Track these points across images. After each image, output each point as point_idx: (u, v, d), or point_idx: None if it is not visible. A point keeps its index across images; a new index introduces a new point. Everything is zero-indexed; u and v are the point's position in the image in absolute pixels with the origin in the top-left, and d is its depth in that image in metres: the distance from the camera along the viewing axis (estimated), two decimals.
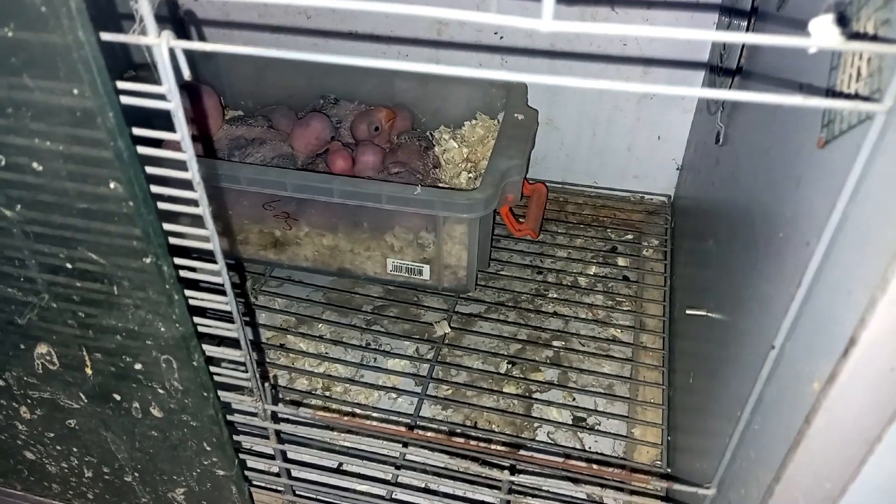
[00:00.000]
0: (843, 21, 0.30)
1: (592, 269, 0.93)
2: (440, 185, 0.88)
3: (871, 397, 0.30)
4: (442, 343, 0.82)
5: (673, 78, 0.88)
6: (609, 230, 0.99)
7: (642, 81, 0.88)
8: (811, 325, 0.34)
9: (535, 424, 0.75)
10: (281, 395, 0.78)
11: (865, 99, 0.31)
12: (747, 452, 0.42)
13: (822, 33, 0.26)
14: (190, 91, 0.87)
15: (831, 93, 0.35)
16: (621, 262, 0.94)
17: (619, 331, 0.85)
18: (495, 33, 0.91)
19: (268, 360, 0.81)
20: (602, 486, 0.61)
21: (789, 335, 0.36)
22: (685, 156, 0.94)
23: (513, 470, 0.62)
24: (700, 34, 0.27)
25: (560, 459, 0.70)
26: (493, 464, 0.63)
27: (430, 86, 0.93)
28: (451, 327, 0.84)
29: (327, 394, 0.78)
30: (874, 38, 0.31)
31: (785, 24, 0.48)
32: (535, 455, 0.68)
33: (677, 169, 0.97)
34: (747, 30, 0.50)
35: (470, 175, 0.90)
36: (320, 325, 0.86)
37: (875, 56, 0.30)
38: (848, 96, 0.32)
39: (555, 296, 0.90)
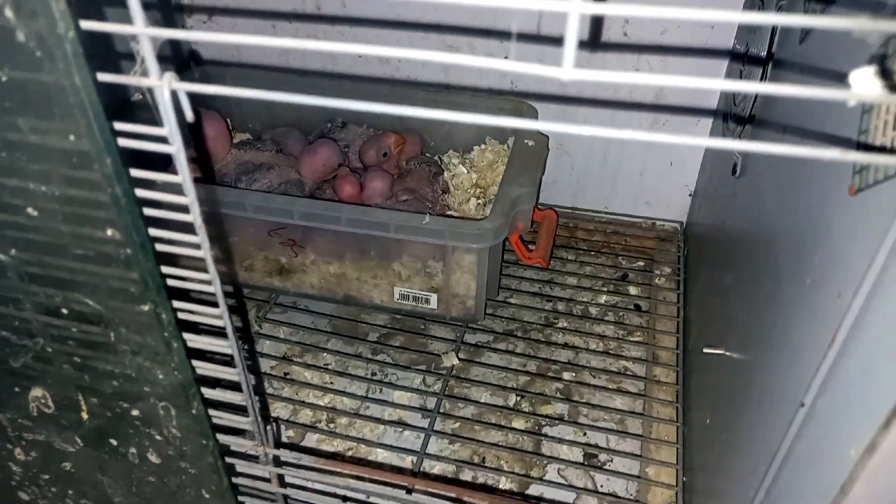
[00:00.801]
0: (884, 71, 0.28)
1: (603, 298, 0.91)
2: (449, 211, 0.87)
3: None
4: (449, 375, 0.80)
5: (687, 98, 0.86)
6: (620, 257, 0.97)
7: (655, 103, 0.87)
8: (847, 385, 0.32)
9: (545, 462, 0.72)
10: (285, 428, 0.76)
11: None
12: None
13: (864, 85, 0.25)
14: (197, 116, 0.85)
15: (863, 139, 0.33)
16: (633, 290, 0.92)
17: (630, 363, 0.83)
18: (505, 56, 0.90)
19: (272, 389, 0.80)
20: None
21: (821, 393, 0.34)
22: (698, 182, 0.92)
23: None
24: (720, 84, 0.25)
25: (570, 501, 0.68)
26: None
27: (441, 107, 0.91)
28: (459, 358, 0.82)
29: (331, 426, 0.76)
30: None
31: (803, 65, 0.46)
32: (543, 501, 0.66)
33: (690, 195, 0.95)
34: (763, 74, 0.49)
35: (479, 201, 0.88)
36: (325, 355, 0.84)
37: None
38: (881, 149, 0.30)
39: (565, 325, 0.88)
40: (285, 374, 0.82)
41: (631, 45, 0.84)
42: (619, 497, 0.69)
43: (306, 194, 0.85)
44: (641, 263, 0.96)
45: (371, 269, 0.79)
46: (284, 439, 0.75)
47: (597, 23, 0.82)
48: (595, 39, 0.84)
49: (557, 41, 0.85)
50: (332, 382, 0.81)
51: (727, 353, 0.58)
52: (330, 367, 0.83)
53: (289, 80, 0.95)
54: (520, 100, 0.88)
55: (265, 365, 0.82)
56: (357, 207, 0.75)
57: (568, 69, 0.27)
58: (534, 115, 0.87)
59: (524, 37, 0.86)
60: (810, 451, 0.35)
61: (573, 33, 0.26)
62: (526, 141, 0.83)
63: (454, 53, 0.28)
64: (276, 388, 0.80)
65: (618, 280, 0.94)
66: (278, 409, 0.78)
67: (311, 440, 0.75)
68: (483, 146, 0.93)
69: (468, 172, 0.91)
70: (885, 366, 0.28)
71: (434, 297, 0.80)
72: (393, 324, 0.88)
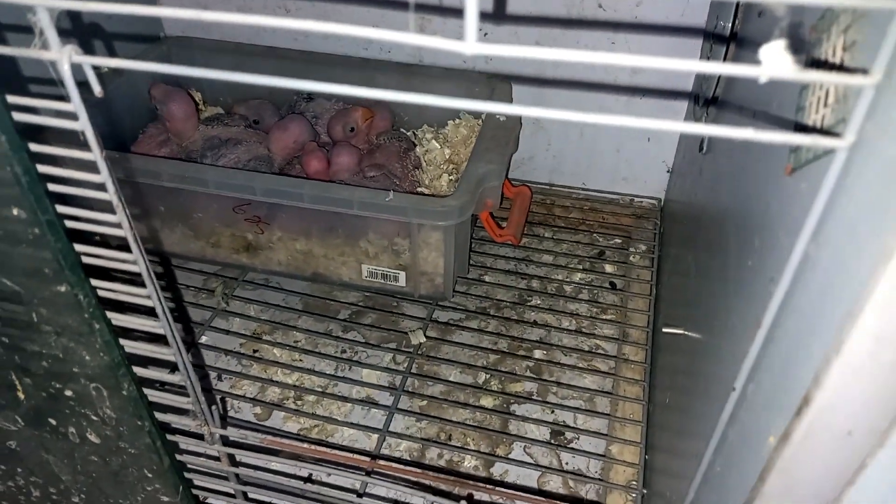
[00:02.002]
0: (808, 45, 0.26)
1: (578, 276, 0.90)
2: (420, 188, 0.85)
3: (827, 459, 0.27)
4: (416, 353, 0.80)
5: (663, 78, 0.84)
6: (597, 234, 0.95)
7: (631, 82, 0.85)
8: (771, 373, 0.31)
9: (512, 440, 0.72)
10: (252, 406, 0.75)
11: (827, 133, 0.27)
12: (709, 496, 0.39)
13: (774, 61, 0.23)
14: (165, 92, 0.84)
15: (800, 118, 0.32)
16: (608, 268, 0.91)
17: (602, 341, 0.82)
18: (480, 30, 0.88)
19: (239, 367, 0.79)
20: None
21: (750, 378, 0.33)
22: (676, 158, 0.91)
23: (470, 500, 0.59)
24: (659, 62, 0.24)
25: (535, 478, 0.68)
26: (454, 495, 0.61)
27: (413, 82, 0.90)
28: (427, 336, 0.82)
29: (299, 404, 0.76)
30: (840, 65, 0.28)
31: (759, 42, 0.45)
32: (502, 489, 0.65)
33: (668, 171, 0.93)
34: (725, 56, 0.47)
35: (451, 178, 0.87)
36: (295, 332, 0.83)
37: None
38: (812, 129, 0.29)
39: (538, 303, 0.87)
40: (254, 351, 0.81)
41: (607, 22, 0.82)
42: (583, 475, 0.69)
43: (275, 170, 0.84)
44: (618, 240, 0.95)
45: (338, 246, 0.78)
46: (251, 417, 0.75)
47: None
48: (574, 16, 0.82)
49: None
50: (301, 360, 0.81)
51: (685, 333, 0.57)
52: (300, 344, 0.82)
53: (258, 53, 0.93)
54: (494, 76, 0.86)
55: (234, 342, 0.82)
56: (319, 184, 0.73)
57: (471, 43, 0.25)
58: (507, 90, 0.85)
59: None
60: (740, 436, 0.35)
61: (473, 5, 0.25)
62: (498, 116, 0.82)
63: (375, 29, 0.26)
64: (244, 366, 0.80)
65: (594, 257, 0.93)
66: (246, 387, 0.77)
67: (277, 417, 0.74)
68: (457, 121, 0.91)
69: (441, 148, 0.89)
70: (802, 355, 0.27)
71: (402, 275, 0.79)
72: (364, 302, 0.88)
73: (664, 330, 0.60)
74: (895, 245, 0.21)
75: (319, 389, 0.77)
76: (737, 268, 0.41)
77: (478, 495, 0.64)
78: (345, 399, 0.76)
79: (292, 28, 0.26)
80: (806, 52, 0.30)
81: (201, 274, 0.89)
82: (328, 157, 0.82)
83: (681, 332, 0.58)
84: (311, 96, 0.90)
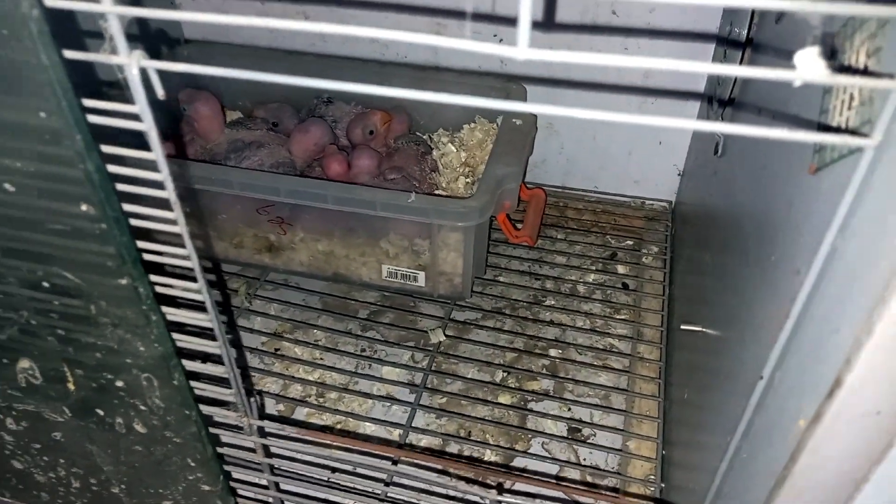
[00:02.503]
0: (832, 51, 0.28)
1: (591, 277, 0.92)
2: (437, 190, 0.87)
3: (856, 439, 0.29)
4: (436, 351, 0.82)
5: (675, 81, 0.86)
6: (609, 236, 0.97)
7: (643, 85, 0.88)
8: (799, 359, 0.33)
9: (530, 436, 0.74)
10: (275, 402, 0.77)
11: (854, 132, 0.29)
12: (736, 482, 0.41)
13: (808, 66, 0.25)
14: (192, 94, 0.86)
15: (823, 120, 0.34)
16: (620, 269, 0.93)
17: (616, 340, 0.84)
18: (494, 35, 0.90)
19: (262, 364, 0.81)
20: None
21: (778, 366, 0.35)
22: (687, 161, 0.93)
23: (500, 489, 0.61)
24: (690, 66, 0.26)
25: (553, 474, 0.69)
26: (481, 482, 0.62)
27: (429, 86, 0.92)
28: (447, 335, 0.84)
29: (321, 401, 0.77)
30: (865, 70, 0.30)
31: (778, 47, 0.47)
32: (525, 475, 0.67)
33: (679, 174, 0.95)
34: (741, 60, 0.49)
35: (467, 180, 0.89)
36: (316, 331, 0.85)
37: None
38: (837, 129, 0.31)
39: (552, 303, 0.89)
40: (276, 349, 0.83)
41: (620, 28, 0.84)
42: (601, 469, 0.70)
43: (296, 173, 0.86)
44: (630, 242, 0.97)
45: (359, 246, 0.80)
46: (274, 413, 0.77)
47: (573, 4, 0.82)
48: (579, 22, 0.84)
49: (569, 27, 0.85)
50: (321, 358, 0.82)
51: (703, 330, 0.59)
52: (320, 343, 0.84)
53: (277, 57, 0.95)
54: (508, 79, 0.88)
55: (256, 341, 0.84)
56: (343, 185, 0.75)
57: (523, 49, 0.27)
58: (522, 94, 0.87)
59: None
60: (767, 423, 0.36)
61: (526, 11, 0.27)
62: (514, 120, 0.84)
63: (436, 36, 0.28)
64: (266, 364, 0.81)
65: (606, 259, 0.95)
66: (269, 384, 0.79)
67: (300, 414, 0.76)
68: (472, 125, 0.93)
69: (457, 151, 0.92)
70: (831, 340, 0.29)
71: (422, 275, 0.81)
72: (383, 301, 0.90)
73: (682, 327, 0.62)
74: None
75: (341, 386, 0.79)
76: (758, 263, 0.43)
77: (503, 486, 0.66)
78: (367, 395, 0.77)
79: (337, 33, 0.28)
80: (831, 58, 0.32)
81: (224, 273, 0.91)
82: (348, 159, 0.84)
83: (699, 329, 0.60)
84: (330, 99, 0.92)
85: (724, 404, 0.46)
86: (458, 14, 0.88)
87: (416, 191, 0.79)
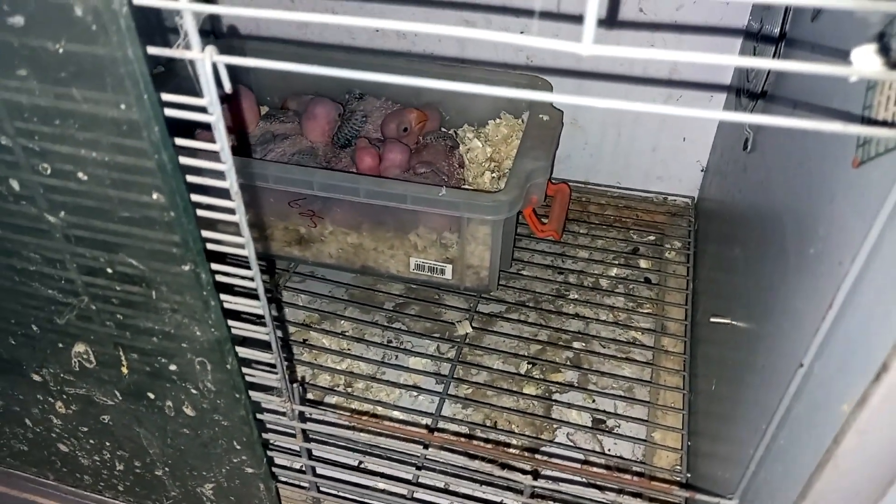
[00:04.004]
0: (884, 48, 0.29)
1: (614, 271, 0.93)
2: (464, 185, 0.89)
3: None
4: (463, 342, 0.83)
5: (701, 74, 0.87)
6: (632, 231, 0.99)
7: (669, 78, 0.88)
8: (842, 346, 0.34)
9: (555, 426, 0.75)
10: (304, 391, 0.79)
11: None
12: (773, 466, 0.42)
13: (865, 62, 0.26)
14: (234, 89, 0.88)
15: (867, 114, 0.35)
16: (643, 263, 0.94)
17: (639, 333, 0.85)
18: (521, 31, 0.91)
19: (291, 354, 0.83)
20: (622, 492, 0.61)
21: (819, 354, 0.36)
22: (710, 158, 0.94)
23: (535, 475, 0.62)
24: (734, 60, 0.27)
25: (579, 464, 0.71)
26: (513, 467, 0.64)
27: (457, 80, 0.93)
28: (473, 327, 0.85)
29: (349, 390, 0.79)
30: None
31: (814, 43, 0.48)
32: (554, 460, 0.69)
33: (702, 171, 0.96)
34: (775, 52, 0.50)
35: (493, 175, 0.90)
36: (343, 322, 0.87)
37: None
38: (883, 124, 0.32)
39: (576, 297, 0.90)
40: (304, 340, 0.85)
41: (647, 23, 0.85)
42: (626, 459, 0.72)
43: (321, 161, 0.87)
44: (652, 237, 0.98)
45: (388, 239, 0.82)
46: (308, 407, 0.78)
47: (614, 1, 0.83)
48: (612, 17, 0.85)
49: (572, 19, 0.86)
50: (349, 348, 0.84)
51: (733, 323, 0.60)
52: (347, 333, 0.85)
53: (307, 52, 0.97)
54: (535, 75, 0.89)
55: (284, 331, 0.85)
56: (375, 179, 0.77)
57: (587, 44, 0.29)
58: (548, 89, 0.88)
59: (543, 14, 0.87)
60: (807, 409, 0.38)
61: (593, 9, 0.28)
62: (540, 115, 0.85)
63: (471, 28, 0.29)
64: (295, 354, 0.83)
65: (629, 254, 0.96)
66: (298, 374, 0.81)
67: (329, 402, 0.78)
68: (498, 120, 0.94)
69: (483, 146, 0.93)
70: (878, 326, 0.31)
71: (449, 268, 0.83)
72: (408, 293, 0.91)
73: (712, 320, 0.63)
74: None
75: (369, 376, 0.80)
76: (797, 256, 0.44)
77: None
78: (394, 384, 0.79)
79: (387, 27, 0.29)
80: (892, 56, 0.33)
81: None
82: (380, 153, 0.85)
83: (728, 321, 0.61)
84: (362, 94, 0.93)
85: (759, 394, 0.48)
86: (486, 8, 0.89)
87: (445, 185, 0.81)
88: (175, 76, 0.86)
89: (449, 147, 0.89)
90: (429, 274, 0.84)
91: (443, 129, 0.96)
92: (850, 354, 0.33)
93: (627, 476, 0.68)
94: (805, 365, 0.37)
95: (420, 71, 0.92)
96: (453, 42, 0.95)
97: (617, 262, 0.94)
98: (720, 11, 0.81)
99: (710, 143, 0.93)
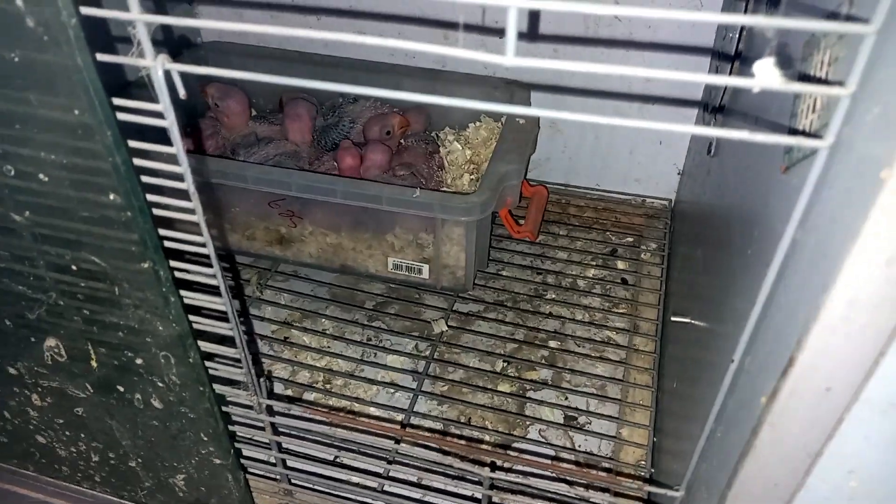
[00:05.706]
0: (787, 61, 0.31)
1: (591, 272, 0.95)
2: (443, 187, 0.90)
3: (810, 414, 0.32)
4: (439, 341, 0.85)
5: (673, 89, 0.89)
6: (609, 233, 1.00)
7: (644, 90, 0.90)
8: (765, 343, 0.36)
9: (528, 422, 0.77)
10: (284, 388, 0.81)
11: (810, 135, 0.32)
12: (711, 458, 0.44)
13: (765, 74, 0.28)
14: (224, 90, 0.90)
15: (793, 124, 0.36)
16: (620, 264, 0.96)
17: (614, 333, 0.87)
18: (500, 38, 0.92)
19: (272, 352, 0.84)
20: (585, 486, 0.63)
21: (747, 350, 0.38)
22: (686, 161, 0.95)
23: (493, 467, 0.64)
24: (677, 75, 0.29)
25: (548, 459, 0.72)
26: (477, 461, 0.65)
27: (438, 86, 0.94)
28: (449, 325, 0.87)
29: (328, 387, 0.81)
30: (825, 78, 0.32)
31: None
32: (521, 455, 0.70)
33: (678, 174, 0.98)
34: (730, 70, 0.52)
35: (472, 177, 0.92)
36: (324, 320, 0.89)
37: None
38: (803, 132, 0.33)
39: (553, 297, 0.91)
40: (285, 338, 0.87)
41: (622, 41, 0.87)
42: (595, 455, 0.73)
43: (304, 163, 0.89)
44: (630, 239, 0.99)
45: (366, 240, 0.84)
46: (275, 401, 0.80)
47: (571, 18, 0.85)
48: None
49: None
50: (329, 346, 0.86)
51: (692, 322, 0.61)
52: (328, 331, 0.87)
53: (292, 58, 0.98)
54: (513, 80, 0.91)
55: (266, 329, 0.87)
56: (352, 181, 0.79)
57: (510, 57, 0.30)
58: (526, 94, 0.90)
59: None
60: (736, 403, 0.39)
61: (513, 25, 0.29)
62: (517, 119, 0.87)
63: (401, 40, 0.31)
64: (276, 351, 0.85)
65: (607, 255, 0.97)
66: (278, 371, 0.83)
67: (308, 399, 0.79)
68: (477, 123, 0.96)
69: (463, 149, 0.94)
70: (790, 324, 0.32)
71: (426, 268, 0.84)
72: (389, 293, 0.93)
73: (672, 319, 0.65)
74: (862, 225, 0.26)
75: (347, 373, 0.82)
76: (739, 257, 0.46)
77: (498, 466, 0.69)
78: (371, 382, 0.81)
79: (366, 43, 0.31)
80: (795, 66, 0.34)
81: (237, 264, 0.95)
82: (361, 154, 0.87)
83: (687, 320, 0.63)
84: (356, 98, 0.95)
85: (707, 388, 0.49)
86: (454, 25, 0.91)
87: (423, 187, 0.82)
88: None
89: (429, 150, 0.91)
90: (406, 273, 0.86)
91: (424, 133, 0.97)
92: (771, 351, 0.35)
93: (594, 471, 0.69)
94: (735, 361, 0.39)
95: (404, 75, 0.94)
96: (434, 49, 0.96)
97: (595, 263, 0.96)
98: (689, 31, 0.83)
99: (686, 147, 0.94)
